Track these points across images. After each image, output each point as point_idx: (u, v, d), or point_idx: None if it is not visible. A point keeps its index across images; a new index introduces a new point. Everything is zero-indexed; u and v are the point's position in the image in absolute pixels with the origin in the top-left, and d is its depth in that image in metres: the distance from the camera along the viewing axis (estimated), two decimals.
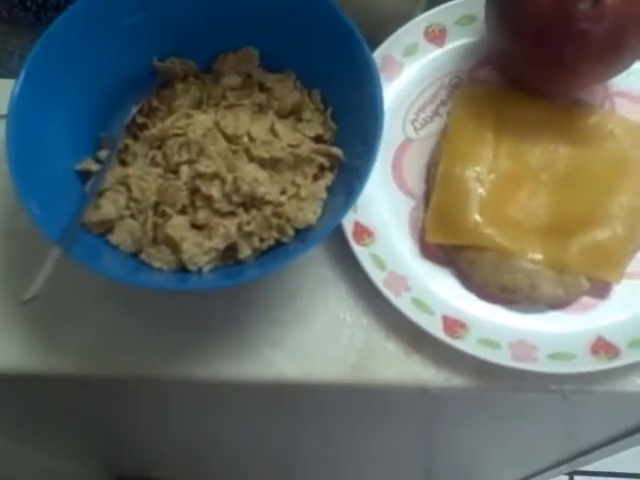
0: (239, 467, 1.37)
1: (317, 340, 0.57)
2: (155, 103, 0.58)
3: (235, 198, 0.52)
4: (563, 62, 0.56)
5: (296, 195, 0.53)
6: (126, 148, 0.57)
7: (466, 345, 0.55)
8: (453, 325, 0.56)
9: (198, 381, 0.57)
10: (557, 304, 0.58)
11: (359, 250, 0.57)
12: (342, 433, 0.94)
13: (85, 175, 0.55)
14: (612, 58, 0.56)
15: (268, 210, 0.52)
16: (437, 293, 0.58)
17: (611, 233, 0.58)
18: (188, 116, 0.56)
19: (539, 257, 0.57)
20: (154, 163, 0.55)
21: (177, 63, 0.59)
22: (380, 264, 0.57)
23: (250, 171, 0.53)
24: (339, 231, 0.57)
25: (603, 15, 0.53)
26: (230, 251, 0.53)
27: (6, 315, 0.58)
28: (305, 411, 0.82)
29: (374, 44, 0.63)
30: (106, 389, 0.70)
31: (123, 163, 0.56)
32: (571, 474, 1.54)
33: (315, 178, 0.55)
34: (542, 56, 0.56)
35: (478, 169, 0.59)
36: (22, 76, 0.52)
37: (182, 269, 0.52)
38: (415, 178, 0.61)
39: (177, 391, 0.69)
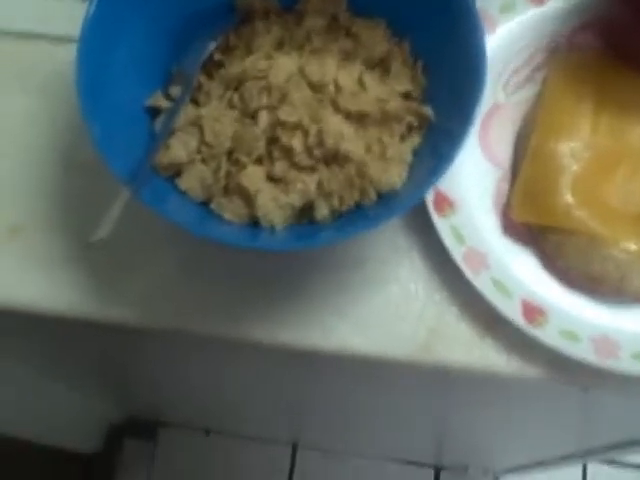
0: (248, 416, 1.35)
1: (385, 312, 0.54)
2: (233, 40, 0.54)
3: (317, 152, 0.48)
4: None
5: (382, 155, 0.49)
6: (199, 86, 0.52)
7: (546, 335, 0.51)
8: (532, 312, 0.52)
9: (254, 344, 0.53)
10: None
11: (439, 221, 0.53)
12: (362, 392, 0.90)
13: (154, 111, 0.50)
14: None
15: (352, 168, 0.48)
16: (517, 275, 0.53)
17: None
18: (269, 57, 0.51)
19: (634, 247, 0.53)
20: (230, 105, 0.50)
21: (258, 0, 0.54)
22: (459, 237, 0.53)
23: (336, 124, 0.48)
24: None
25: None
26: (306, 209, 0.48)
27: (69, 253, 0.54)
28: (330, 374, 0.79)
29: None
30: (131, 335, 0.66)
31: (195, 102, 0.52)
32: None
33: (402, 138, 0.50)
34: None
35: (573, 144, 0.54)
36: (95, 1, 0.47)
37: (254, 223, 0.48)
38: (503, 147, 0.57)
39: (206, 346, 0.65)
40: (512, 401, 0.79)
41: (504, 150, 0.56)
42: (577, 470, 1.50)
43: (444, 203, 0.54)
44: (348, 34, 0.54)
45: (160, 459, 1.55)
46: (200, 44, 0.53)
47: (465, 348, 0.53)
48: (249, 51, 0.53)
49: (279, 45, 0.53)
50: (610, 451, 0.97)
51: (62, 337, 0.75)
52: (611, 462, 1.50)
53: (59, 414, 1.20)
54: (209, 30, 0.53)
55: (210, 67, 0.53)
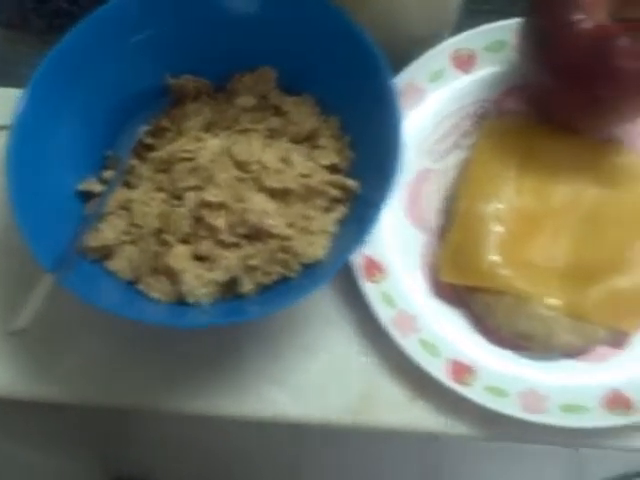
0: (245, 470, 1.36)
1: (318, 379, 0.56)
2: (165, 123, 0.56)
3: (240, 230, 0.50)
4: (599, 99, 0.53)
5: (305, 229, 0.51)
6: (132, 170, 0.55)
7: (473, 392, 0.53)
8: (460, 370, 0.54)
9: (192, 414, 0.55)
10: (572, 353, 0.55)
11: (369, 287, 0.55)
12: None
13: (86, 196, 0.53)
14: None
15: (274, 244, 0.50)
16: (446, 335, 0.55)
17: (633, 281, 0.55)
18: (198, 139, 0.53)
19: (557, 303, 0.54)
20: (159, 187, 0.53)
21: (190, 81, 0.57)
22: (390, 302, 0.55)
23: (259, 202, 0.50)
24: (347, 265, 0.55)
25: None
26: (231, 284, 0.51)
27: None
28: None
29: (399, 67, 0.60)
30: None
31: (128, 185, 0.54)
32: None
33: (327, 210, 0.53)
34: (577, 92, 0.54)
35: (498, 207, 0.56)
36: (29, 90, 0.51)
37: (180, 301, 0.50)
38: (431, 211, 0.59)
39: None
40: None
41: (432, 214, 0.58)
42: None
43: (374, 269, 0.56)
44: (278, 111, 0.57)
45: None
46: (133, 128, 0.55)
47: (396, 410, 0.54)
48: (180, 133, 0.55)
49: (209, 126, 0.55)
50: None
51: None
52: None
53: None
54: (143, 113, 0.56)
55: (142, 150, 0.55)
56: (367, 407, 0.54)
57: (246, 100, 0.57)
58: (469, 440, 0.55)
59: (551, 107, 0.58)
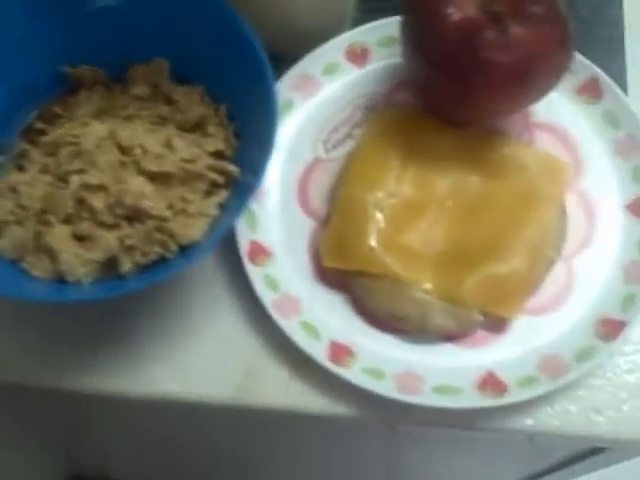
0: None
1: (205, 359, 0.57)
2: (58, 110, 0.58)
3: (119, 210, 0.52)
4: (469, 91, 0.55)
5: (183, 211, 0.53)
6: (25, 154, 0.56)
7: (350, 374, 0.54)
8: (340, 352, 0.55)
9: (79, 393, 0.56)
10: (450, 337, 0.57)
11: (252, 270, 0.56)
12: None
13: None
14: (518, 89, 0.55)
15: (152, 225, 0.52)
16: (328, 318, 0.57)
17: (510, 268, 0.57)
18: (85, 125, 0.55)
19: (432, 287, 0.56)
20: (46, 170, 0.54)
21: (87, 70, 0.59)
22: (273, 285, 0.57)
23: (137, 184, 0.52)
24: (235, 249, 0.56)
25: (509, 45, 0.52)
26: (112, 265, 0.52)
27: None
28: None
29: (296, 59, 0.62)
30: None
31: (20, 169, 0.56)
32: None
33: (208, 194, 0.54)
34: (449, 84, 0.56)
35: (379, 194, 0.58)
36: None
37: (61, 280, 0.52)
38: (319, 199, 0.61)
39: None
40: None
41: (320, 202, 0.60)
42: None
43: (260, 253, 0.58)
44: (168, 100, 0.59)
45: None
46: (26, 114, 0.57)
47: (278, 390, 0.56)
48: (71, 120, 0.57)
49: (99, 113, 0.57)
50: None
51: None
52: None
53: None
54: (40, 100, 0.58)
55: (35, 135, 0.57)
56: (249, 387, 0.56)
57: (140, 90, 0.59)
58: (350, 421, 0.56)
59: (429, 99, 0.61)
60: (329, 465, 1.09)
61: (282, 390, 0.56)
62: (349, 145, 0.62)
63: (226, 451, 1.12)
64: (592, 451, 0.75)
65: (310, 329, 0.56)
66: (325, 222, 0.59)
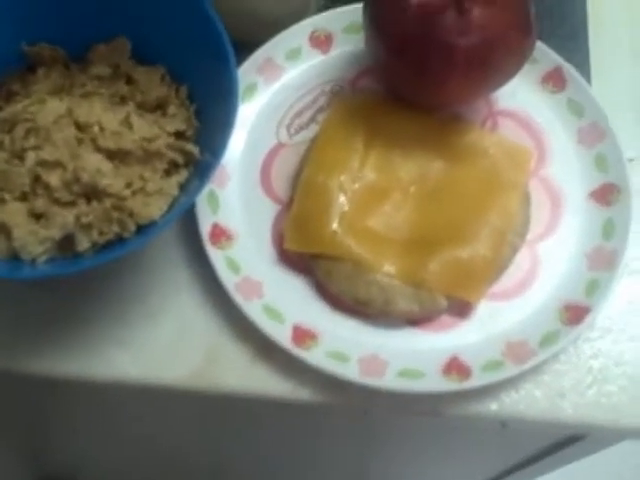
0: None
1: (164, 342, 0.56)
2: (15, 87, 0.57)
3: (76, 188, 0.51)
4: (428, 75, 0.55)
5: (142, 190, 0.52)
6: None
7: (313, 357, 0.54)
8: (303, 336, 0.54)
9: (35, 376, 0.55)
10: (414, 320, 0.56)
11: (213, 252, 0.55)
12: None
13: None
14: (479, 73, 0.55)
15: (109, 203, 0.50)
16: (291, 302, 0.56)
17: (474, 252, 0.56)
18: (41, 101, 0.54)
19: (395, 271, 0.56)
20: (1, 147, 0.53)
21: (46, 49, 0.58)
22: (235, 268, 0.56)
23: (94, 161, 0.51)
24: (197, 231, 0.55)
25: (468, 28, 0.52)
26: (69, 243, 0.51)
27: None
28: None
29: (259, 43, 0.62)
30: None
31: None
32: None
33: (168, 173, 0.53)
34: (408, 68, 0.55)
35: (342, 178, 0.57)
36: None
37: (17, 258, 0.50)
38: (283, 184, 0.60)
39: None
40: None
41: (284, 186, 0.60)
42: None
43: (222, 236, 0.57)
44: (129, 80, 0.58)
45: None
46: None
47: (239, 374, 0.55)
48: (28, 97, 0.55)
49: (57, 91, 0.56)
50: None
51: None
52: None
53: None
54: None
55: None
56: (209, 371, 0.55)
57: (100, 69, 0.58)
58: (314, 407, 0.55)
59: (391, 84, 0.61)
60: (305, 458, 1.08)
61: (243, 374, 0.55)
62: (313, 130, 0.61)
63: (200, 452, 1.10)
64: (566, 442, 0.75)
65: (272, 312, 0.55)
66: (288, 206, 0.58)
